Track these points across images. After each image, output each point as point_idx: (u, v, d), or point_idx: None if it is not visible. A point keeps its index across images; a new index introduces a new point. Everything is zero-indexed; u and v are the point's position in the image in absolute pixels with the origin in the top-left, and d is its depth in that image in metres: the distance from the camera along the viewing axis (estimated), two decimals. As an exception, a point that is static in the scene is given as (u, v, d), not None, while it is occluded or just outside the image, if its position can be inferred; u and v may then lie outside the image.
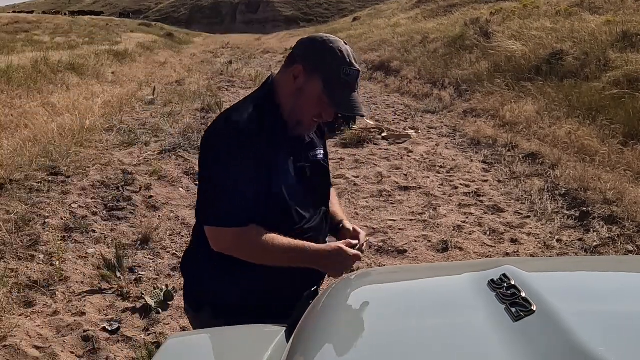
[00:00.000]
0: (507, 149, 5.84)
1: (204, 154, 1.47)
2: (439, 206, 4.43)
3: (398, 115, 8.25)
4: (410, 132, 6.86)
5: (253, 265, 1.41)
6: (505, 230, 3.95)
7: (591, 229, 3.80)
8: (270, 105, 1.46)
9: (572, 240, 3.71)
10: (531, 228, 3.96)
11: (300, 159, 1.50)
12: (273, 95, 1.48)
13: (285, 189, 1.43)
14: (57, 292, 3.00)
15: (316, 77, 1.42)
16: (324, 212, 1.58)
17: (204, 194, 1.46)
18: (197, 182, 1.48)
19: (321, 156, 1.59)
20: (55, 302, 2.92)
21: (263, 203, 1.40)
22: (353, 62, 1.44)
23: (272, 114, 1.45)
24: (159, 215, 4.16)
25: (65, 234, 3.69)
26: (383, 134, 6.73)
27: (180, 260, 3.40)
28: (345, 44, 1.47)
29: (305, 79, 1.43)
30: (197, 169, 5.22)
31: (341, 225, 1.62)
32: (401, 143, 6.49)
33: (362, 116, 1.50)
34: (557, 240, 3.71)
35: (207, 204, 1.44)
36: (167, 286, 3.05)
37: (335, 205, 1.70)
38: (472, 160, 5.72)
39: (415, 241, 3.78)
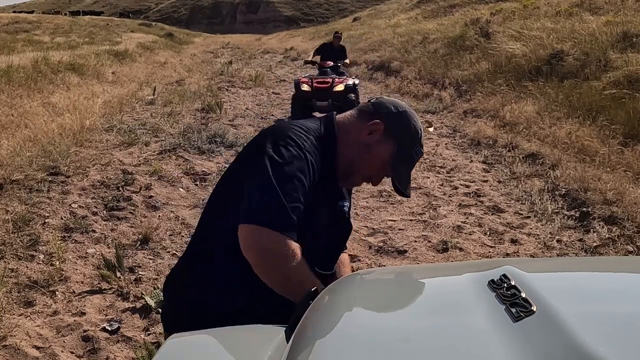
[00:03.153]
0: (507, 149, 5.84)
1: (262, 153, 1.28)
2: (439, 206, 4.43)
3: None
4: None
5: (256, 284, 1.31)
6: (505, 230, 3.95)
7: (591, 230, 3.80)
8: (330, 146, 1.39)
9: (572, 241, 3.71)
10: (531, 228, 3.96)
11: (328, 206, 1.43)
12: (335, 138, 1.41)
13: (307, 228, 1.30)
14: (57, 292, 3.00)
15: (391, 143, 1.40)
16: (330, 275, 1.49)
17: (256, 194, 1.25)
18: (244, 183, 1.31)
19: (347, 209, 1.52)
20: (55, 302, 2.92)
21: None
22: (423, 144, 1.46)
23: (328, 155, 1.38)
24: (159, 215, 4.16)
25: (65, 234, 3.69)
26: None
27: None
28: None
29: (381, 138, 1.39)
30: (197, 169, 5.23)
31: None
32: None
33: (406, 197, 1.50)
34: (557, 241, 3.71)
35: (259, 204, 1.24)
36: (167, 286, 3.05)
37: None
38: (472, 161, 5.72)
39: (415, 241, 3.78)
